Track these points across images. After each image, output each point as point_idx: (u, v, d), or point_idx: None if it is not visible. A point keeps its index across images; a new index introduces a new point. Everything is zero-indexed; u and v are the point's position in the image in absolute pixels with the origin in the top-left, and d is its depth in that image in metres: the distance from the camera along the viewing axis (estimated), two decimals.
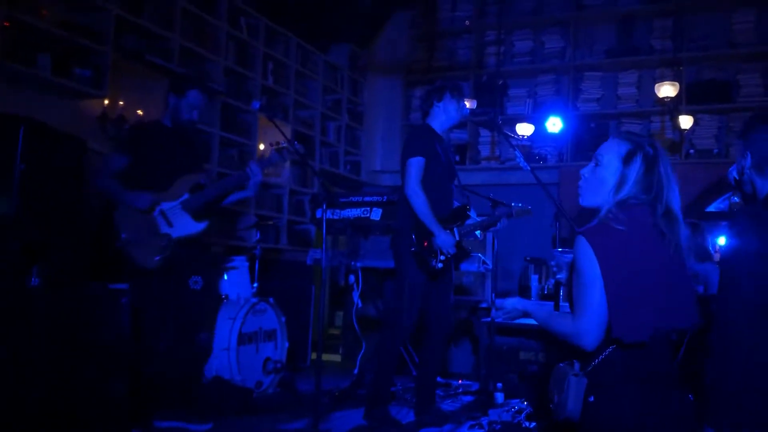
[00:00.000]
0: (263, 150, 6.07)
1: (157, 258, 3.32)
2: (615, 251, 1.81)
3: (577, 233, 1.86)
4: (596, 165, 1.96)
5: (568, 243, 5.13)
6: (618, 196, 1.89)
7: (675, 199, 1.89)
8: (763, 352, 1.95)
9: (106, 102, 4.48)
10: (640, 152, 1.92)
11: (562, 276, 2.81)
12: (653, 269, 1.82)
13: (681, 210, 1.91)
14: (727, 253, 2.07)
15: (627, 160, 1.92)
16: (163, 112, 3.66)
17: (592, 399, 1.82)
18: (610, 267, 1.79)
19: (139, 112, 4.72)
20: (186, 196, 3.50)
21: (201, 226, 3.50)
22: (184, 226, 3.45)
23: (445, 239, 3.62)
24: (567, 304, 2.01)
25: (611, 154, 1.94)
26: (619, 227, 1.82)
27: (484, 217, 4.01)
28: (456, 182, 3.95)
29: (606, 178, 1.93)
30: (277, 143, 3.63)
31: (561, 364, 1.94)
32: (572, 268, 1.90)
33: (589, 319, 1.81)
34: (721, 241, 4.16)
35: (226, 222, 5.54)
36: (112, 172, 3.46)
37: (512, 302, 2.12)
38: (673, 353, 1.90)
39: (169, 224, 3.43)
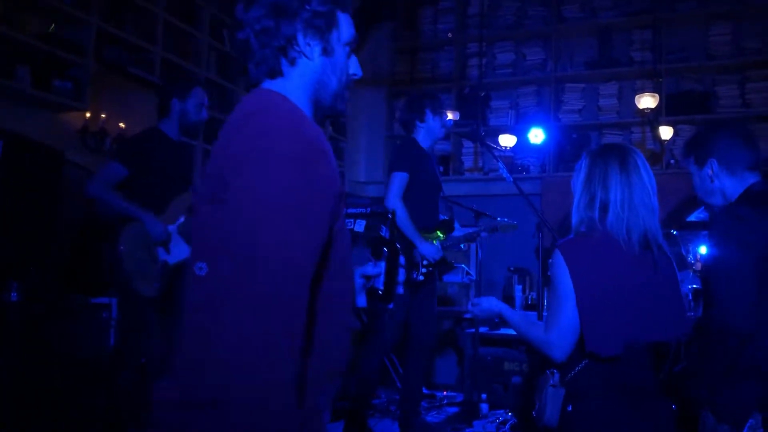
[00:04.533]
0: None
1: (156, 286, 3.27)
2: (589, 265, 1.82)
3: (554, 246, 1.89)
4: None
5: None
6: (576, 204, 1.93)
7: (619, 194, 1.88)
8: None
9: (88, 115, 4.45)
10: (586, 158, 1.96)
11: None
12: (631, 281, 1.83)
13: (657, 213, 1.92)
14: (714, 258, 2.06)
15: (577, 171, 1.98)
16: (155, 121, 3.52)
17: (570, 408, 1.84)
18: (583, 281, 1.81)
19: (121, 124, 4.69)
20: (182, 218, 3.40)
21: None
22: (180, 251, 3.35)
23: (427, 248, 3.64)
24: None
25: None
26: (596, 238, 1.84)
27: (467, 230, 4.03)
28: (439, 195, 3.97)
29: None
30: None
31: (547, 371, 1.96)
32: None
33: (559, 332, 1.83)
34: (702, 250, 4.20)
35: None
36: (109, 183, 3.28)
37: (489, 302, 2.12)
38: (657, 364, 1.91)
39: (167, 251, 3.33)
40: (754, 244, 1.96)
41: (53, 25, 4.23)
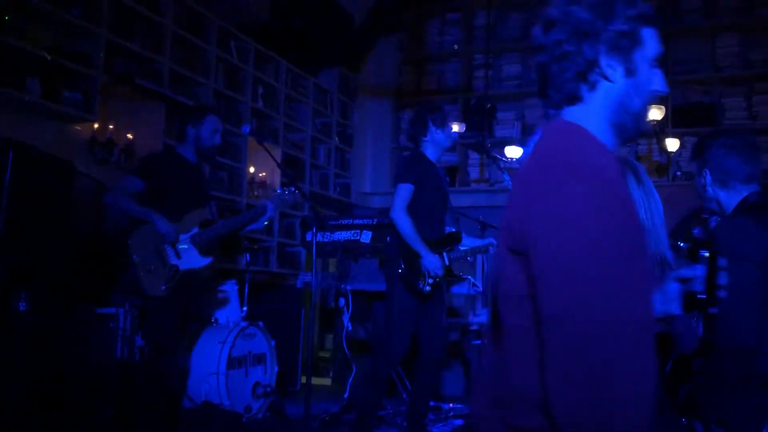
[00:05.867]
0: (254, 174, 6.08)
1: (164, 287, 3.34)
2: None
3: None
4: None
5: None
6: None
7: (642, 211, 1.86)
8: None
9: (96, 125, 4.48)
10: None
11: None
12: None
13: (664, 226, 1.91)
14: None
15: None
16: (173, 141, 3.66)
17: None
18: None
19: (129, 135, 4.72)
20: (195, 230, 3.52)
21: (206, 261, 3.51)
22: (191, 259, 3.46)
23: (431, 261, 3.63)
24: None
25: None
26: None
27: (476, 243, 4.02)
28: (446, 207, 3.97)
29: None
30: (287, 187, 3.70)
31: None
32: None
33: None
34: None
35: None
36: (125, 193, 3.42)
37: None
38: (668, 378, 1.90)
39: (178, 256, 3.44)
40: (755, 255, 1.95)
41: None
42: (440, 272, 3.67)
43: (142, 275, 3.35)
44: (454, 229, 3.94)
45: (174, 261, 3.41)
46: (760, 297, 1.93)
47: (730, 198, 2.15)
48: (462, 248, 3.87)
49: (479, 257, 5.19)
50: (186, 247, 3.46)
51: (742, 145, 2.15)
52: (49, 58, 3.99)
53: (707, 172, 2.19)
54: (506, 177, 3.88)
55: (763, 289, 1.93)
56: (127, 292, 3.64)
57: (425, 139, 3.84)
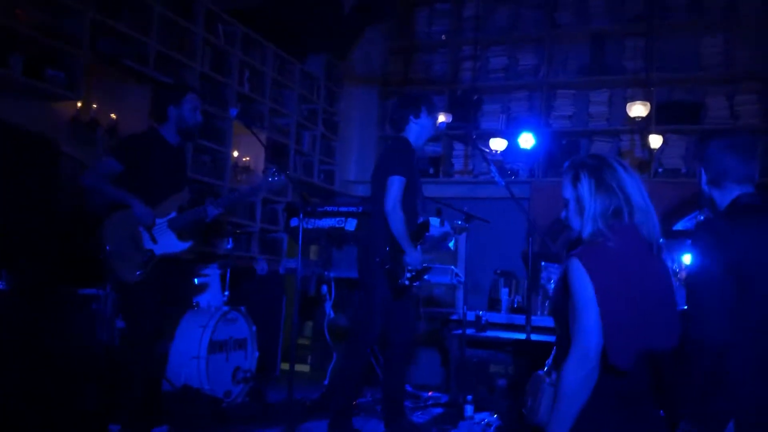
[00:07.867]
0: (238, 158, 6.05)
1: (138, 273, 3.31)
2: (609, 274, 1.81)
3: (570, 255, 1.88)
4: (566, 207, 2.00)
5: (542, 257, 5.19)
6: (588, 215, 1.92)
7: (638, 194, 1.92)
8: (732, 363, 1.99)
9: (79, 105, 4.42)
10: (583, 169, 1.96)
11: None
12: (644, 288, 1.83)
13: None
14: (693, 271, 2.13)
15: (575, 182, 1.97)
16: (155, 123, 3.60)
17: None
18: (606, 291, 1.79)
19: (113, 115, 4.68)
20: (173, 214, 3.48)
21: (185, 245, 3.48)
22: (168, 244, 3.43)
23: (415, 257, 3.65)
24: (549, 318, 2.02)
25: (566, 189, 2.00)
26: (611, 245, 1.84)
27: (439, 231, 4.09)
28: (421, 196, 3.97)
29: (577, 209, 1.97)
30: (271, 171, 3.65)
31: (540, 372, 1.97)
32: (562, 286, 1.91)
33: (590, 338, 1.80)
34: (686, 259, 4.25)
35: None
36: (103, 175, 3.38)
37: None
38: (653, 372, 1.92)
39: (154, 240, 3.41)
40: (729, 259, 2.00)
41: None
42: (420, 266, 3.69)
43: (115, 262, 3.33)
44: (422, 218, 3.94)
45: (149, 246, 3.39)
46: (731, 298, 1.98)
47: (722, 197, 2.21)
48: (431, 235, 3.91)
49: (461, 246, 5.22)
50: (163, 231, 3.43)
51: (737, 146, 2.20)
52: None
53: (702, 171, 2.26)
54: (493, 169, 3.90)
55: (733, 291, 1.98)
56: (90, 275, 3.61)
57: (414, 120, 3.83)
